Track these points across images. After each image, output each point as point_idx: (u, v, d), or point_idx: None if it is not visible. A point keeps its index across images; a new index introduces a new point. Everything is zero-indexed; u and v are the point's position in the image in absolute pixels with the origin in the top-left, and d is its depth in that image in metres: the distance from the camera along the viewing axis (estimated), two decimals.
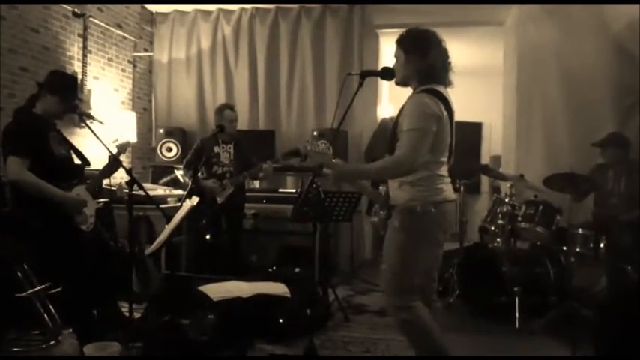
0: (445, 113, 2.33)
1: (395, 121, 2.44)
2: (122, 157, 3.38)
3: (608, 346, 2.83)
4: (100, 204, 3.36)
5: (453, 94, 2.45)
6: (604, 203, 4.21)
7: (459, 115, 2.55)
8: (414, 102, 2.34)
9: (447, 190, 2.43)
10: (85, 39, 5.12)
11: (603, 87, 4.88)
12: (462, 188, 4.56)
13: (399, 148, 2.33)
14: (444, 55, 2.41)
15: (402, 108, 2.41)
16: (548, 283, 3.99)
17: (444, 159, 2.42)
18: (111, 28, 5.61)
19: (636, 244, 3.76)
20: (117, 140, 3.32)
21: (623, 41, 4.75)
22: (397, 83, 2.51)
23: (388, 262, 2.43)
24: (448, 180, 2.46)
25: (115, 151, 3.28)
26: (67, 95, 3.17)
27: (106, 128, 3.41)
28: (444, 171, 2.43)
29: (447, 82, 2.41)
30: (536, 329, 3.64)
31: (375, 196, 2.73)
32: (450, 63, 2.42)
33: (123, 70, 5.91)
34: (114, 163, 3.27)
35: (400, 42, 2.44)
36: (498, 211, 4.35)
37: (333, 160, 2.50)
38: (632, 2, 4.47)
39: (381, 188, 2.66)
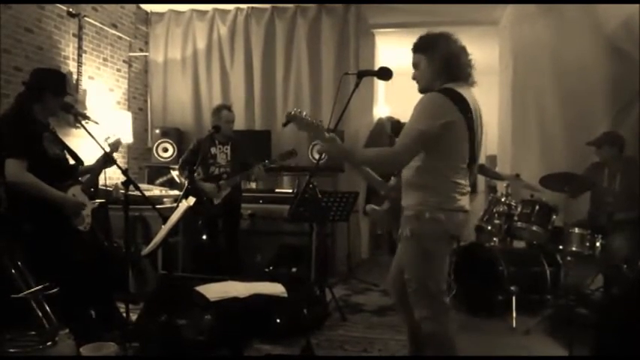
0: (460, 116, 2.20)
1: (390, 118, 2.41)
2: (118, 157, 3.37)
3: (604, 345, 2.83)
4: (96, 204, 3.35)
5: None
6: (600, 202, 4.23)
7: None
8: (423, 100, 2.25)
9: (462, 199, 2.30)
10: (79, 39, 5.09)
11: (598, 86, 4.90)
12: None
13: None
14: (464, 54, 2.32)
15: None
16: (545, 283, 4.01)
17: (463, 165, 2.29)
18: (106, 28, 5.59)
19: (632, 243, 3.78)
20: (109, 138, 3.30)
21: (617, 40, 4.76)
22: (421, 91, 2.36)
23: (410, 273, 2.33)
24: (466, 190, 2.33)
25: (107, 148, 3.27)
26: (61, 90, 3.16)
27: (101, 128, 3.39)
28: (461, 178, 2.30)
29: (469, 81, 2.32)
30: (533, 328, 3.65)
31: (379, 186, 2.67)
32: (470, 60, 2.32)
33: (118, 70, 5.89)
34: (106, 161, 3.25)
35: (417, 47, 2.36)
36: (495, 210, 4.37)
37: (328, 134, 2.33)
38: (631, 2, 4.48)
39: (390, 183, 2.61)
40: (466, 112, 2.23)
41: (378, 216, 2.69)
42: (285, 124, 2.48)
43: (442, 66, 2.29)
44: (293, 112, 2.40)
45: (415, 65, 2.38)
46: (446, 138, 2.21)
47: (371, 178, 2.67)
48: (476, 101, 2.32)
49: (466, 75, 2.31)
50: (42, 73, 3.25)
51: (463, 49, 2.34)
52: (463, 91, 2.26)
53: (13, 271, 2.70)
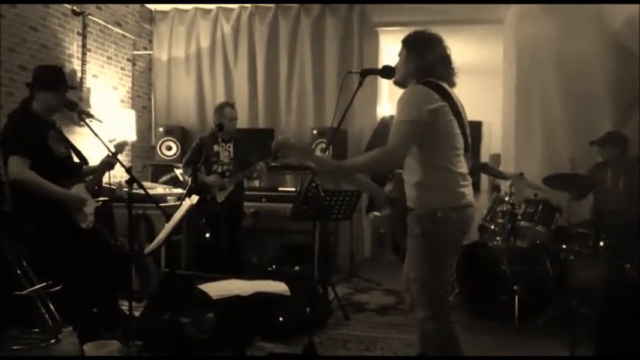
0: (443, 102, 2.23)
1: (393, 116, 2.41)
2: (121, 156, 3.38)
3: (608, 345, 2.83)
4: (100, 202, 3.36)
5: None
6: (603, 202, 4.21)
7: None
8: (405, 93, 2.28)
9: (469, 193, 2.32)
10: (84, 37, 5.11)
11: (603, 85, 4.88)
12: None
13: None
14: (446, 59, 2.36)
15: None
16: (548, 282, 3.99)
17: (460, 151, 2.30)
18: (110, 27, 5.60)
19: (635, 243, 3.77)
20: (114, 140, 3.31)
21: (622, 39, 4.74)
22: (395, 82, 2.45)
23: (415, 271, 2.32)
24: (469, 180, 2.34)
25: (112, 150, 3.27)
26: (59, 86, 3.16)
27: (105, 127, 3.40)
28: (463, 167, 2.32)
29: (449, 82, 2.35)
30: (536, 328, 3.64)
31: (376, 193, 2.68)
32: (453, 69, 2.37)
33: (122, 69, 5.90)
34: (110, 162, 3.26)
35: (405, 41, 2.41)
36: (498, 209, 4.36)
37: (317, 154, 2.34)
38: (632, 2, 4.47)
39: (387, 188, 2.61)
40: (448, 98, 2.26)
41: (381, 222, 2.70)
42: (274, 158, 2.47)
43: (418, 66, 2.33)
44: (278, 141, 2.41)
45: (399, 56, 2.43)
46: (437, 126, 2.22)
47: (367, 186, 2.67)
48: (455, 94, 2.35)
49: (443, 76, 2.33)
50: (36, 70, 3.24)
51: (447, 57, 2.36)
52: (440, 83, 2.30)
53: (17, 268, 2.71)
